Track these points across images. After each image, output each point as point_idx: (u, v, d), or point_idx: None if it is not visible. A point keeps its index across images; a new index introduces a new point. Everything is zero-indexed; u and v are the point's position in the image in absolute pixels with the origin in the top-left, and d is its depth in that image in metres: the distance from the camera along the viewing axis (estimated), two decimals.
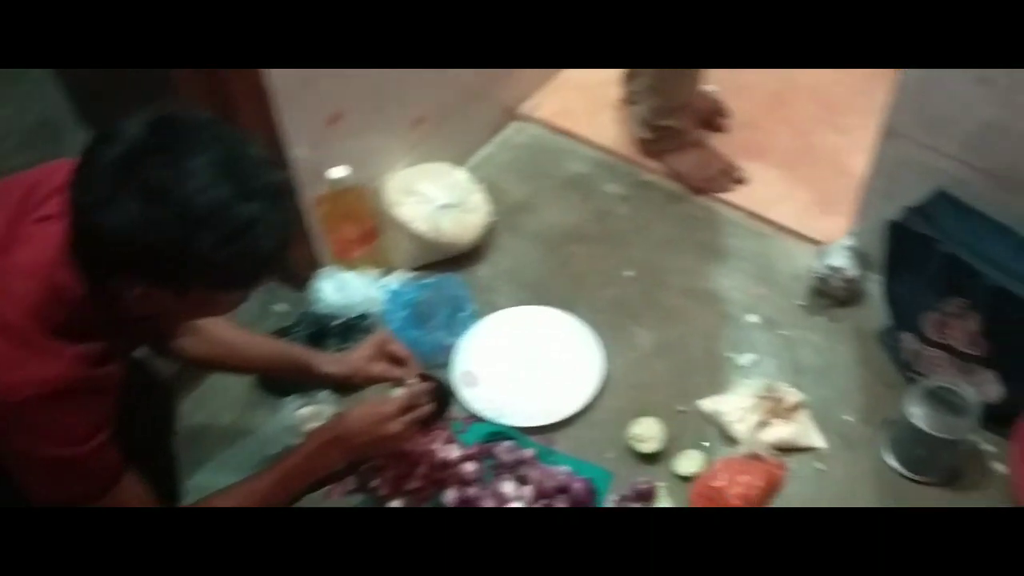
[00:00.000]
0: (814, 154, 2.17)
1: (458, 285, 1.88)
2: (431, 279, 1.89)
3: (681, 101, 2.08)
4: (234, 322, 1.58)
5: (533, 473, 1.58)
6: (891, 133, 1.69)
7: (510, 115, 2.31)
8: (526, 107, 2.33)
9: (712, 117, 2.24)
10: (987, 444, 1.62)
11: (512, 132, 2.30)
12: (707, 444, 1.65)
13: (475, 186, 2.00)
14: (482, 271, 1.97)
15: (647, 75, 2.05)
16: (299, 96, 1.64)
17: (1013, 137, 1.52)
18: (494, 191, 2.06)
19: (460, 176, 1.99)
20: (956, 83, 1.53)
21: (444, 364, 1.77)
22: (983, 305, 1.51)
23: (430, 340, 1.78)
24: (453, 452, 1.60)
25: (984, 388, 1.60)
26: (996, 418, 1.58)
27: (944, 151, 1.62)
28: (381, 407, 1.40)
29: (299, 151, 1.71)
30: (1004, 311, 1.48)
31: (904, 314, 1.69)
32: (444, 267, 1.94)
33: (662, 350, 1.81)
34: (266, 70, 1.55)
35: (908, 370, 1.70)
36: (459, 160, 2.11)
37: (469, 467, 1.59)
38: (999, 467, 1.59)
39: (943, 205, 1.60)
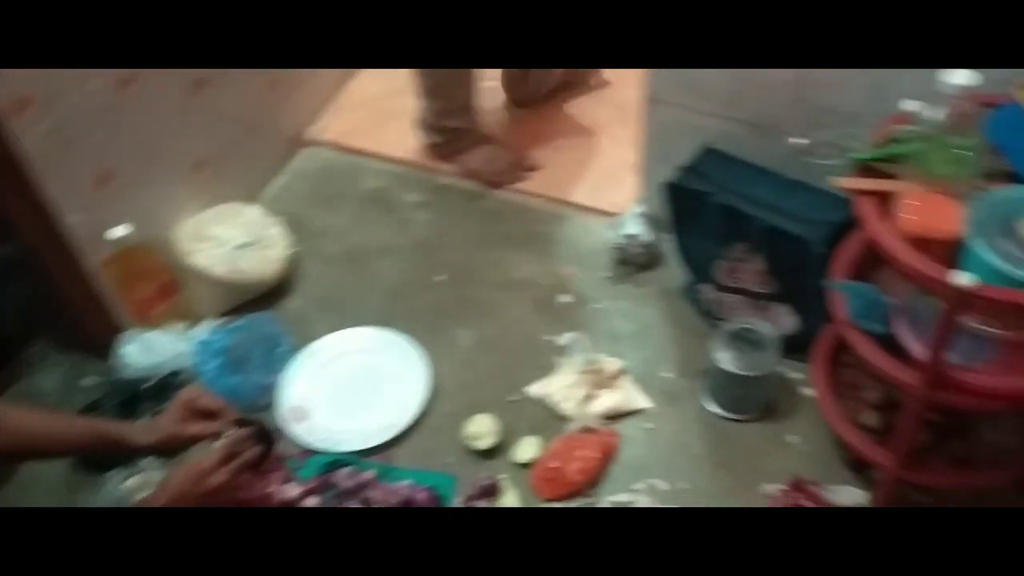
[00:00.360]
0: (597, 130, 2.25)
1: (270, 322, 1.84)
2: (241, 322, 1.84)
3: (463, 101, 2.11)
4: (37, 406, 1.51)
5: (375, 494, 1.57)
6: (654, 100, 1.78)
7: (297, 143, 2.28)
8: (312, 132, 2.30)
9: (580, 78, 2.32)
10: (794, 372, 1.73)
11: (303, 160, 2.27)
12: (541, 428, 1.68)
13: (271, 220, 1.97)
14: (293, 303, 1.94)
15: (426, 78, 2.07)
16: (60, 161, 1.58)
17: (760, 87, 1.63)
18: (293, 221, 2.04)
19: (253, 213, 1.96)
20: None
21: (269, 404, 1.73)
22: (762, 245, 1.61)
23: (250, 384, 1.74)
24: (292, 490, 1.57)
25: (780, 321, 1.71)
26: (796, 347, 1.69)
27: (703, 109, 1.71)
28: (200, 463, 1.36)
29: (72, 217, 1.63)
30: (780, 248, 1.58)
31: (698, 267, 1.78)
32: (253, 307, 1.90)
33: (484, 346, 1.84)
34: (14, 141, 1.47)
35: (712, 318, 1.79)
36: (251, 197, 2.08)
37: (311, 501, 1.56)
38: (807, 391, 1.70)
39: (711, 159, 1.69)
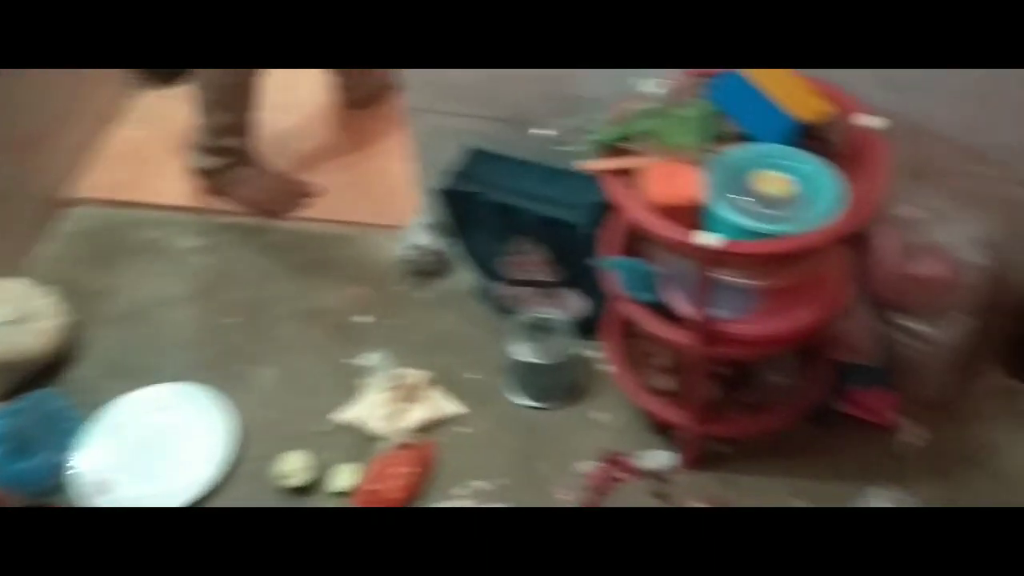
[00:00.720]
0: (372, 146, 2.25)
1: (54, 398, 1.73)
2: (21, 403, 1.71)
3: (244, 118, 2.04)
4: None
5: None
6: (415, 110, 1.79)
7: (60, 204, 2.15)
8: (76, 191, 2.18)
9: (379, 93, 2.30)
10: (592, 352, 1.78)
11: (71, 221, 2.15)
12: (356, 453, 1.66)
13: (39, 291, 1.85)
14: (79, 373, 1.83)
15: (209, 91, 1.98)
16: None
17: (512, 84, 1.67)
18: (69, 286, 1.92)
19: (17, 287, 1.83)
20: None
21: (64, 485, 1.63)
22: (539, 236, 1.66)
23: (39, 466, 1.63)
24: None
25: (572, 305, 1.76)
26: (591, 327, 1.74)
27: (464, 112, 1.74)
28: None
29: None
30: (555, 235, 1.63)
31: (486, 266, 1.81)
32: (35, 384, 1.78)
33: (287, 382, 1.80)
34: None
35: (508, 314, 1.82)
36: (13, 270, 1.94)
37: None
38: (607, 368, 1.75)
39: (479, 160, 1.72)
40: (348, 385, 1.76)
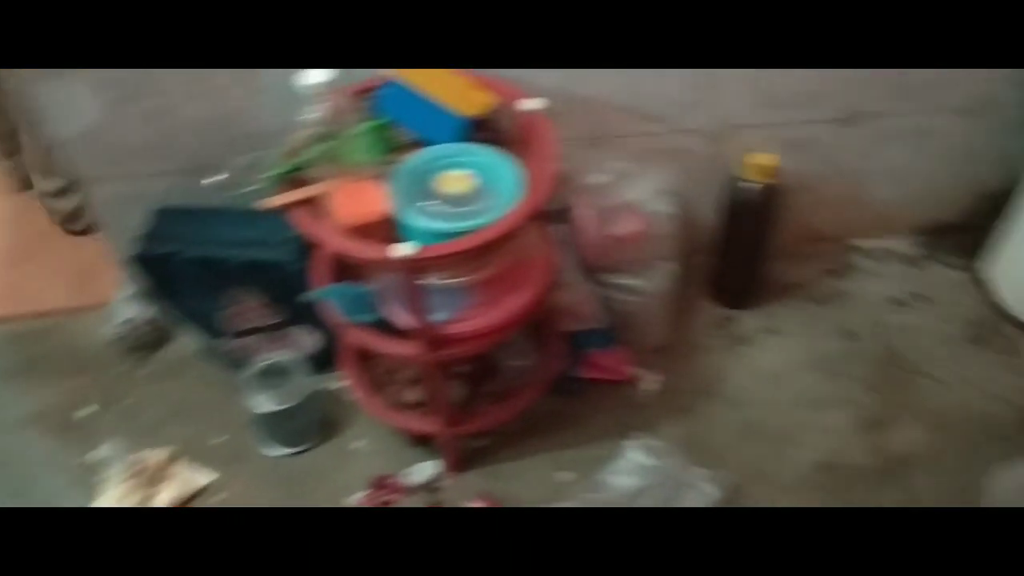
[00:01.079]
0: (55, 226, 2.08)
1: None
2: None
3: None
4: None
5: None
6: (89, 179, 1.67)
7: None
8: None
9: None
10: (337, 383, 1.75)
11: None
12: None
13: None
14: None
15: None
16: None
17: (182, 133, 1.60)
18: None
19: None
20: (120, 111, 1.57)
21: None
22: (249, 281, 1.60)
23: None
24: None
25: (305, 343, 1.72)
26: (330, 359, 1.71)
27: (138, 173, 1.65)
28: None
29: None
30: (265, 277, 1.58)
31: (206, 325, 1.72)
32: None
33: (14, 499, 1.63)
34: None
35: (241, 367, 1.75)
36: None
37: None
38: (353, 396, 1.73)
39: (167, 218, 1.64)
40: (86, 485, 1.63)
